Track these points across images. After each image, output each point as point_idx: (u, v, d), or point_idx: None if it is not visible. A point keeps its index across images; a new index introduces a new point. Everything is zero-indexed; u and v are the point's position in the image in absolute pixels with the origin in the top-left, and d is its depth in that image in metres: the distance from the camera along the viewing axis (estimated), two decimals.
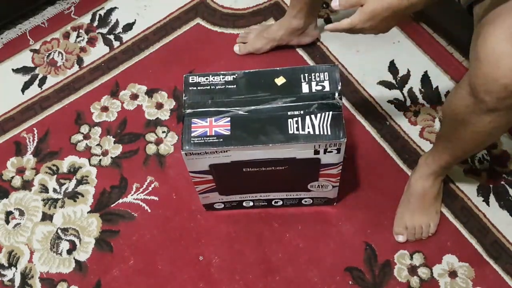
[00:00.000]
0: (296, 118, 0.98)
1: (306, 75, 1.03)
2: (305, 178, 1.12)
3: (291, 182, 1.14)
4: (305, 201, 1.22)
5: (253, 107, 1.00)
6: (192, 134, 0.98)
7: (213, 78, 1.03)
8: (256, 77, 1.03)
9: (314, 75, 1.03)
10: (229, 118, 0.99)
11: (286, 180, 1.12)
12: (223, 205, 1.23)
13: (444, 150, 1.08)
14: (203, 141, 0.98)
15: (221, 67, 1.43)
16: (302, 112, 0.99)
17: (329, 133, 0.97)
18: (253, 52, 1.44)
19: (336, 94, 1.01)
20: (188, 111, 1.01)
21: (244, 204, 1.22)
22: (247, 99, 1.01)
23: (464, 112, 0.91)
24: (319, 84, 1.02)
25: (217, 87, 1.02)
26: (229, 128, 0.98)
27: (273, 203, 1.22)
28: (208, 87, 1.02)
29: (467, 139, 0.97)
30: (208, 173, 1.06)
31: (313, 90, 1.01)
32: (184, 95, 1.02)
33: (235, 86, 1.02)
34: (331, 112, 0.99)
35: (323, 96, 1.01)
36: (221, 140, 0.97)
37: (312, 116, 0.99)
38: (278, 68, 1.04)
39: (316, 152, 0.99)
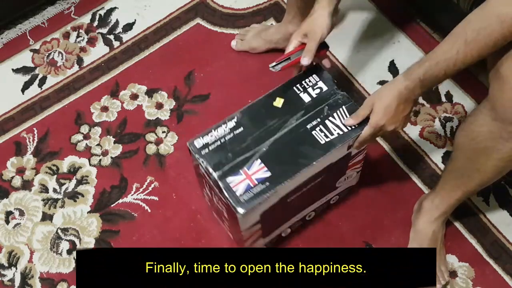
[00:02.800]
0: (318, 127, 0.97)
1: (298, 85, 1.02)
2: (336, 177, 1.11)
3: (324, 188, 1.12)
4: (332, 200, 1.21)
5: (272, 139, 0.97)
6: (238, 194, 0.92)
7: (217, 132, 0.98)
8: (255, 110, 1.00)
9: (306, 82, 1.03)
10: (259, 160, 0.95)
11: (320, 188, 1.09)
12: (264, 246, 1.16)
13: (456, 187, 1.04)
14: (252, 194, 0.92)
15: (221, 67, 1.43)
16: (319, 119, 0.98)
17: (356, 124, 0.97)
18: (248, 51, 1.44)
19: (335, 88, 1.01)
20: (217, 174, 0.94)
21: (282, 234, 1.17)
22: (262, 134, 0.97)
23: (488, 139, 0.88)
24: (315, 87, 1.02)
25: (226, 138, 0.97)
26: (266, 168, 0.94)
27: (306, 218, 1.18)
28: (219, 143, 0.97)
29: (488, 169, 0.94)
30: (258, 223, 1.00)
31: (314, 96, 1.01)
32: (201, 162, 0.96)
33: (242, 128, 0.98)
34: (344, 106, 0.99)
35: (326, 96, 1.01)
36: (268, 183, 0.93)
37: (330, 118, 0.98)
38: (269, 92, 1.02)
39: (349, 147, 1.00)
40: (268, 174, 0.94)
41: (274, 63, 1.01)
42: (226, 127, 0.99)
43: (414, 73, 0.88)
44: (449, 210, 1.11)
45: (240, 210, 0.92)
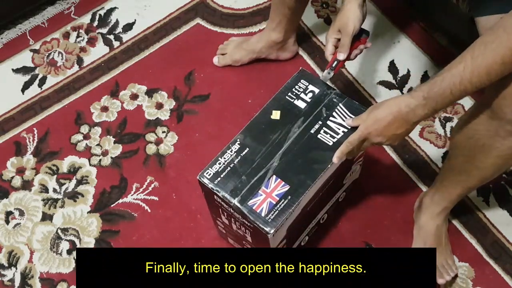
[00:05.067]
0: (322, 130, 0.97)
1: (290, 93, 1.02)
2: (344, 175, 1.10)
3: (334, 188, 1.11)
4: (340, 198, 1.20)
5: (280, 151, 0.96)
6: (263, 214, 0.91)
7: (224, 158, 0.96)
8: (255, 128, 0.99)
9: (296, 88, 1.02)
10: (274, 176, 0.94)
11: (332, 189, 1.08)
12: None
13: (456, 184, 1.05)
14: (277, 211, 0.91)
15: (221, 67, 1.43)
16: (320, 122, 0.98)
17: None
18: (232, 64, 1.42)
19: (326, 88, 1.01)
20: (237, 199, 0.92)
21: (302, 244, 1.14)
22: (269, 150, 0.96)
23: (485, 137, 0.88)
24: (307, 92, 1.02)
25: (235, 162, 0.95)
26: (283, 182, 0.93)
27: (320, 221, 1.18)
28: (229, 168, 0.95)
29: (487, 166, 0.94)
30: (284, 238, 0.99)
31: (308, 100, 1.01)
32: (216, 192, 0.94)
33: (247, 149, 0.97)
34: (340, 104, 0.99)
35: (320, 97, 1.01)
36: (290, 197, 0.92)
37: (331, 118, 0.98)
38: (263, 107, 1.01)
39: None
40: (287, 187, 0.93)
41: (326, 71, 1.02)
42: (231, 151, 0.97)
43: (418, 89, 0.85)
44: (451, 205, 1.11)
45: (270, 230, 0.90)
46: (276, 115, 1.00)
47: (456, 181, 1.04)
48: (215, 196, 0.95)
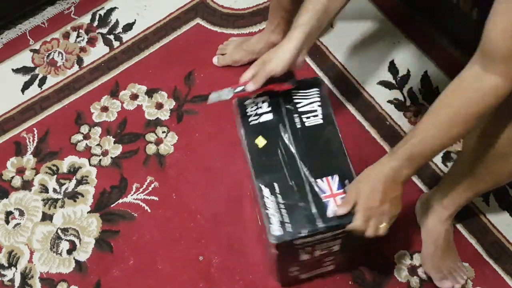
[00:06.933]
0: (304, 118, 0.97)
1: (250, 119, 0.99)
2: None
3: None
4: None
5: (298, 160, 0.94)
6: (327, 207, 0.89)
7: (271, 207, 0.90)
8: (260, 164, 0.95)
9: (251, 111, 0.99)
10: (315, 180, 0.92)
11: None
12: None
13: (467, 188, 1.03)
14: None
15: (221, 67, 1.43)
16: (296, 115, 0.98)
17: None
18: (231, 64, 1.42)
19: (269, 93, 0.99)
20: (320, 222, 0.88)
21: None
22: (290, 167, 0.93)
23: (506, 146, 0.87)
24: (260, 106, 1.00)
25: (280, 201, 0.90)
26: (326, 176, 0.92)
27: None
28: (284, 208, 0.90)
29: (504, 172, 0.93)
30: None
31: (269, 110, 0.99)
32: (299, 237, 0.88)
33: (275, 183, 0.92)
34: (291, 91, 0.99)
35: (275, 100, 0.99)
36: (347, 182, 0.92)
37: (298, 106, 0.99)
38: (247, 148, 0.96)
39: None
40: (335, 176, 0.92)
41: (228, 89, 0.95)
42: (267, 198, 0.91)
43: (399, 152, 0.84)
44: (459, 208, 1.10)
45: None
46: (261, 141, 0.96)
47: (467, 186, 1.02)
48: (297, 241, 0.89)
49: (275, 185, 0.92)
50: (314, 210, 0.89)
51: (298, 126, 0.97)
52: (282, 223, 0.88)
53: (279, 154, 0.95)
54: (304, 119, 0.97)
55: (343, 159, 0.94)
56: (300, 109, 0.98)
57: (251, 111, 0.99)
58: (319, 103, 0.99)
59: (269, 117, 0.98)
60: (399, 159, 0.85)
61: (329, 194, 0.90)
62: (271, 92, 0.97)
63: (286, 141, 0.96)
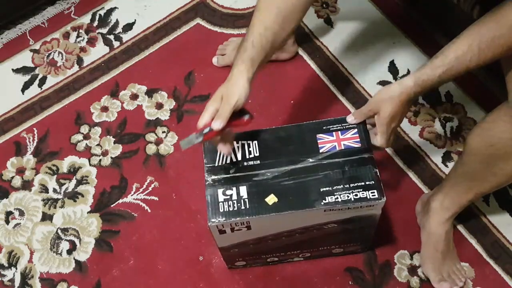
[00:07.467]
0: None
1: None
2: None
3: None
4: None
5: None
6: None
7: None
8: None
9: (245, 161, 0.98)
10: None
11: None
12: None
13: (468, 189, 1.03)
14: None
15: (221, 67, 1.43)
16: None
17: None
18: (231, 65, 1.41)
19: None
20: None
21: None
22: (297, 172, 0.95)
23: (508, 146, 0.87)
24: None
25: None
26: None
27: None
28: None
29: (507, 173, 0.93)
30: None
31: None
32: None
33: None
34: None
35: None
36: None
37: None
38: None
39: None
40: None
41: (194, 134, 0.92)
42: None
43: (427, 79, 0.88)
44: (460, 210, 1.10)
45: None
46: (272, 199, 0.93)
47: (469, 187, 1.02)
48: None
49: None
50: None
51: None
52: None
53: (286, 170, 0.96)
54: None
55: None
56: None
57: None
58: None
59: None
60: (425, 87, 0.89)
61: (336, 136, 0.96)
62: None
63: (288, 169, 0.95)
